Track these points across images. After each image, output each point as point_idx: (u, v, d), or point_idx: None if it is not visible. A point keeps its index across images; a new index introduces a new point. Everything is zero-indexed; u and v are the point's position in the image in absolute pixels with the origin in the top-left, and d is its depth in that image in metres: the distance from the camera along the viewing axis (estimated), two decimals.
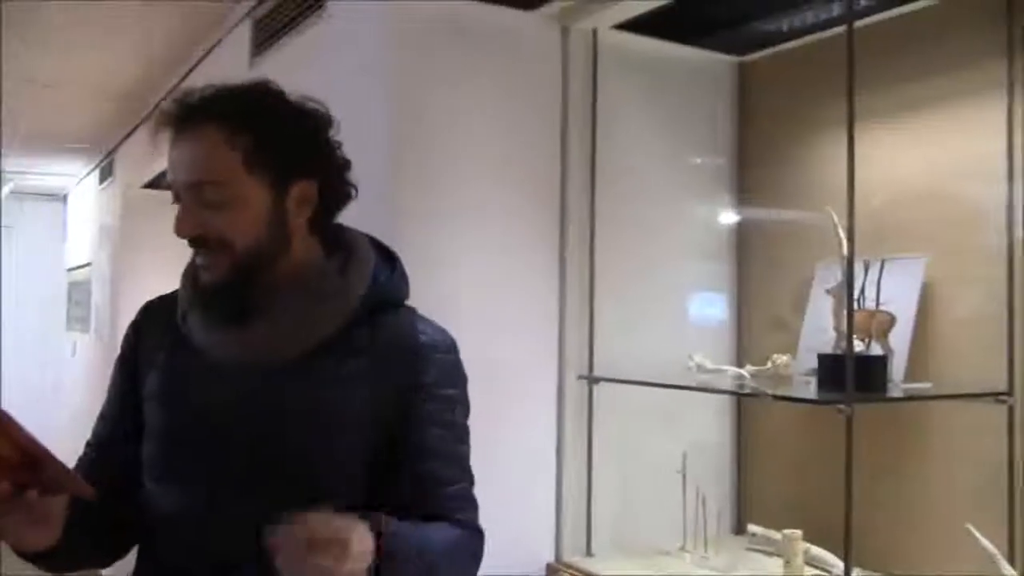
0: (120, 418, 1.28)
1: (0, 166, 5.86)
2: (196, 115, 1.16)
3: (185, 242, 1.20)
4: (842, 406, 1.62)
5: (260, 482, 1.15)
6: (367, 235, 1.31)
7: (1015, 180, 1.89)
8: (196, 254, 1.20)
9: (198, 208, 1.16)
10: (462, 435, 1.26)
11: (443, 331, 1.28)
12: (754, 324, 2.49)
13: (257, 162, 1.16)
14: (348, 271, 1.23)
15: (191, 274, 1.24)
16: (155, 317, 1.31)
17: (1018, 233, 1.88)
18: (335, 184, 1.24)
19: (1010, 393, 1.85)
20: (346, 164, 1.25)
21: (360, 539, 0.99)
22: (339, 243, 1.27)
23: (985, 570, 1.73)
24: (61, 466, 1.04)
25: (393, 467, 1.19)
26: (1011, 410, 1.85)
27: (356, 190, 1.27)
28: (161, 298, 1.33)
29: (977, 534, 1.73)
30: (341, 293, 1.21)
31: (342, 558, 0.96)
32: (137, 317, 1.33)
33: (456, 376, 1.26)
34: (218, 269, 1.17)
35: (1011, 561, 1.77)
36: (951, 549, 1.91)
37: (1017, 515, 1.83)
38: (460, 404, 1.26)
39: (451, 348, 1.27)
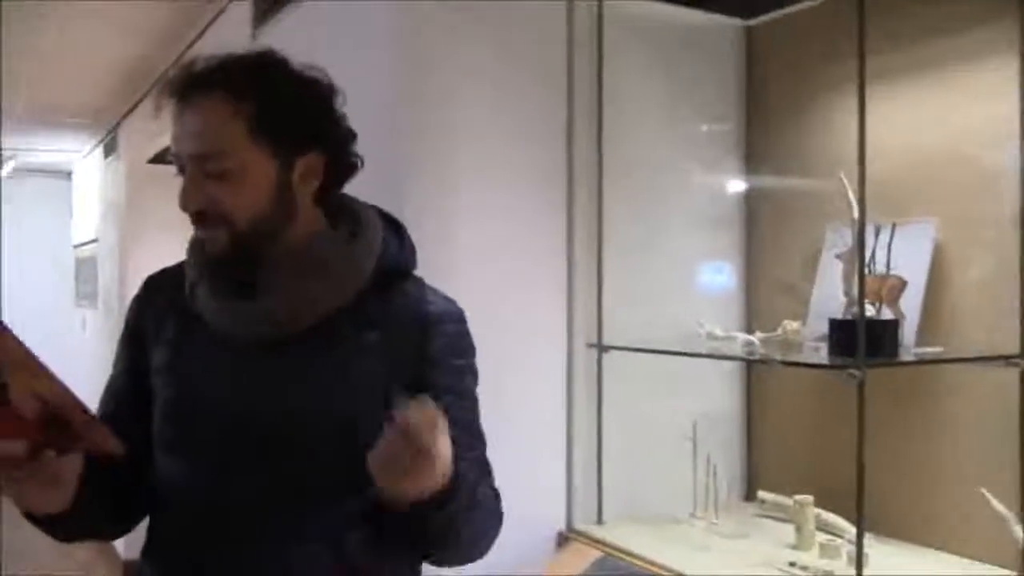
0: (127, 393, 1.27)
1: None
2: (201, 85, 1.15)
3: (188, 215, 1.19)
4: (854, 371, 1.61)
5: (275, 453, 1.15)
6: (373, 206, 1.30)
7: None
8: (198, 227, 1.18)
9: (202, 180, 1.14)
10: (473, 403, 1.26)
11: (451, 301, 1.28)
12: (764, 291, 2.48)
13: (262, 133, 1.14)
14: (357, 242, 1.22)
15: (198, 246, 1.23)
16: (160, 291, 1.30)
17: None
18: (341, 156, 1.23)
19: (1022, 356, 1.84)
20: (351, 135, 1.24)
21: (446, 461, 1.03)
22: (346, 214, 1.26)
23: (998, 534, 1.73)
24: (90, 420, 1.01)
25: None
26: (1022, 373, 1.84)
27: (362, 162, 1.26)
28: (164, 271, 1.32)
29: (991, 497, 1.73)
30: (351, 264, 1.21)
31: (430, 470, 1.01)
32: (140, 291, 1.32)
33: (465, 346, 1.27)
34: (221, 242, 1.16)
35: None
36: (963, 513, 1.91)
37: None
38: (470, 373, 1.27)
39: (460, 318, 1.27)
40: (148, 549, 1.25)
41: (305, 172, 1.19)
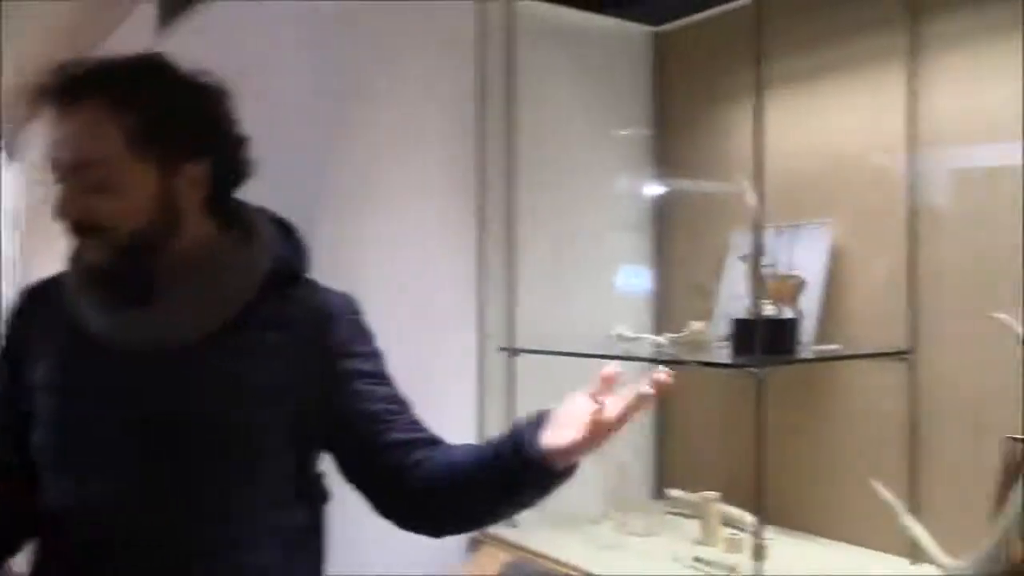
0: (3, 412, 1.22)
1: None
2: (77, 90, 1.11)
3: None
4: (753, 369, 1.66)
5: (176, 463, 1.13)
6: (264, 209, 1.28)
7: (917, 145, 1.94)
8: (76, 238, 1.14)
9: (79, 189, 1.10)
10: (392, 382, 1.26)
11: (346, 295, 1.29)
12: (676, 293, 2.52)
13: (142, 142, 1.10)
14: (249, 247, 1.21)
15: (78, 257, 1.19)
16: (39, 302, 1.25)
17: (919, 197, 1.94)
18: (230, 163, 1.20)
19: (912, 351, 1.92)
20: (242, 141, 1.21)
21: None
22: (236, 219, 1.23)
23: (889, 523, 1.80)
24: None
25: (336, 428, 1.20)
26: (912, 367, 1.92)
27: (254, 167, 1.23)
28: (43, 282, 1.27)
29: (880, 488, 1.79)
30: (243, 269, 1.19)
31: None
32: (18, 303, 1.26)
33: (367, 333, 1.28)
34: (99, 252, 1.13)
35: (914, 512, 1.84)
36: (857, 504, 1.98)
37: (918, 468, 1.90)
38: (378, 356, 1.27)
39: (357, 309, 1.29)
40: (38, 572, 1.21)
41: (191, 180, 1.15)
